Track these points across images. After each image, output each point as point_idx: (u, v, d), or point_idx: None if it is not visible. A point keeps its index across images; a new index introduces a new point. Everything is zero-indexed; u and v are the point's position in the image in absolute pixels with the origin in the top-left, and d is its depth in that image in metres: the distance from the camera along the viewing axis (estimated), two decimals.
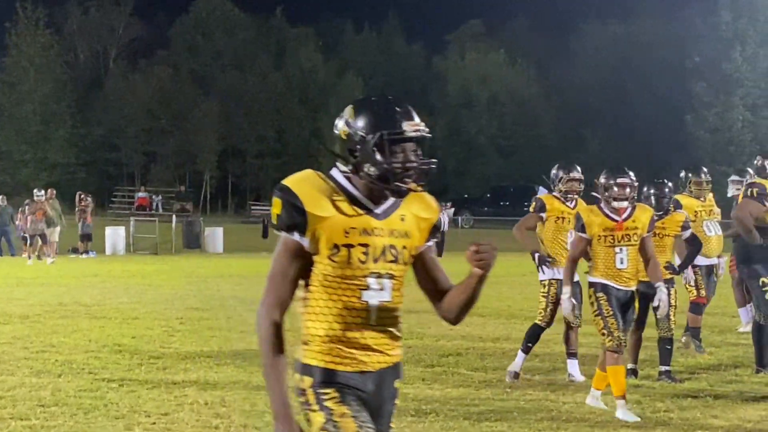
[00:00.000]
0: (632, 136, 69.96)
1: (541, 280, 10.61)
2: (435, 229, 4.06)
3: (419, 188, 3.95)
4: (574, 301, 9.48)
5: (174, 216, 44.67)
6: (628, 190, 8.99)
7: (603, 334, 8.84)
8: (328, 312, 3.87)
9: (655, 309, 9.30)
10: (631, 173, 9.08)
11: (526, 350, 10.49)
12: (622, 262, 8.95)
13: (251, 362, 11.22)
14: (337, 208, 3.85)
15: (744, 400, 9.49)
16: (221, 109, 71.82)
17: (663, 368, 10.47)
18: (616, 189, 8.97)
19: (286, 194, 3.84)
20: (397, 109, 3.95)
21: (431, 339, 13.48)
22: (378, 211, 3.92)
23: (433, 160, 3.96)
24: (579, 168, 10.88)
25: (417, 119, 3.94)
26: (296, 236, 3.83)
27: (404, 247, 3.95)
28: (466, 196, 64.94)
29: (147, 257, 35.80)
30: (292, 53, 79.05)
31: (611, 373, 8.75)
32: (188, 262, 32.88)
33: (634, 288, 9.09)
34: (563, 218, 10.59)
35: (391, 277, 3.91)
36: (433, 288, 4.10)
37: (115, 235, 38.41)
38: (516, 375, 10.39)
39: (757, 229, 10.72)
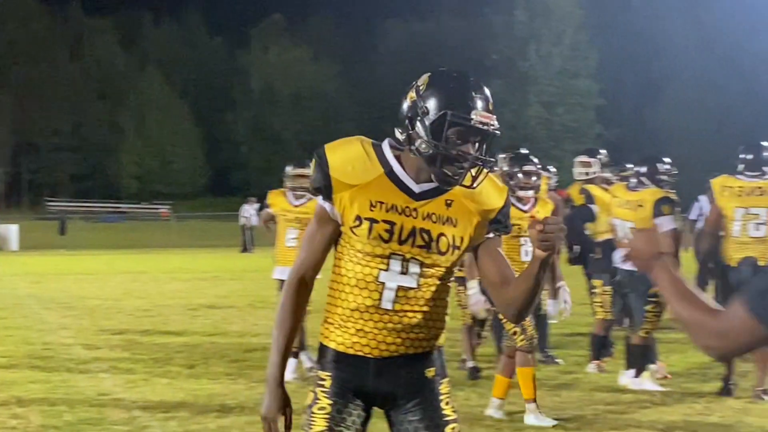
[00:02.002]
0: None
1: None
2: (496, 221, 3.68)
3: (468, 184, 3.57)
4: (482, 295, 8.62)
5: None
6: (534, 178, 8.59)
7: (515, 334, 8.25)
8: (346, 286, 3.62)
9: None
10: (536, 159, 8.74)
11: None
12: (527, 255, 8.40)
13: (48, 361, 10.99)
14: (369, 179, 3.57)
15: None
16: (14, 101, 69.52)
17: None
18: (521, 177, 8.57)
19: (319, 156, 3.59)
20: (473, 93, 3.52)
21: (236, 335, 13.41)
22: (417, 190, 3.58)
23: (491, 159, 3.57)
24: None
25: (491, 111, 3.52)
26: (321, 201, 3.60)
27: (442, 235, 3.58)
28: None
29: None
30: (90, 45, 77.23)
31: (523, 375, 8.24)
32: None
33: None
34: None
35: (422, 264, 3.57)
36: (497, 282, 3.67)
37: None
38: None
39: (586, 242, 11.14)
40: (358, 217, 3.53)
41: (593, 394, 9.54)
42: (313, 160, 3.61)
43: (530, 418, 8.14)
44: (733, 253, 9.42)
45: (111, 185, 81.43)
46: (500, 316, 8.57)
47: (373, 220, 3.52)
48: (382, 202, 3.55)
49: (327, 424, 3.62)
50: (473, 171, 3.55)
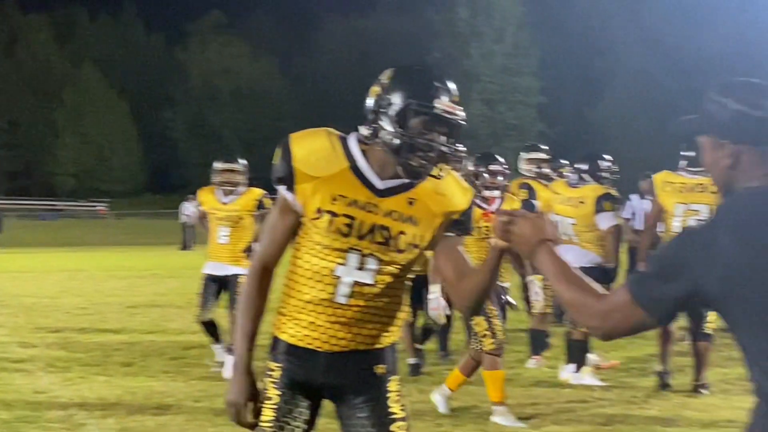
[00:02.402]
0: None
1: None
2: (460, 222, 3.69)
3: (437, 173, 3.62)
4: (443, 301, 8.47)
5: None
6: (500, 177, 8.48)
7: (484, 336, 8.13)
8: (301, 278, 3.61)
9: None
10: (502, 159, 8.62)
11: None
12: None
13: None
14: (332, 172, 3.56)
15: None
16: None
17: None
18: (487, 176, 8.44)
19: (283, 146, 3.60)
20: (436, 84, 3.56)
21: (174, 333, 13.31)
22: (381, 186, 3.59)
23: (459, 149, 3.63)
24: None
25: (455, 102, 3.57)
26: (283, 190, 3.59)
27: (402, 233, 3.58)
28: None
29: None
30: (25, 42, 76.30)
31: (492, 378, 8.15)
32: None
33: (507, 284, 8.66)
34: None
35: (380, 260, 3.57)
36: (453, 278, 3.65)
37: None
38: None
39: None
40: (319, 210, 3.53)
41: (533, 389, 9.58)
42: (277, 150, 3.60)
43: (500, 419, 8.06)
44: None
45: (48, 183, 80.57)
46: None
47: (333, 214, 3.52)
48: (343, 196, 3.54)
49: (274, 414, 3.63)
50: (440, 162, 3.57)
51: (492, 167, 8.43)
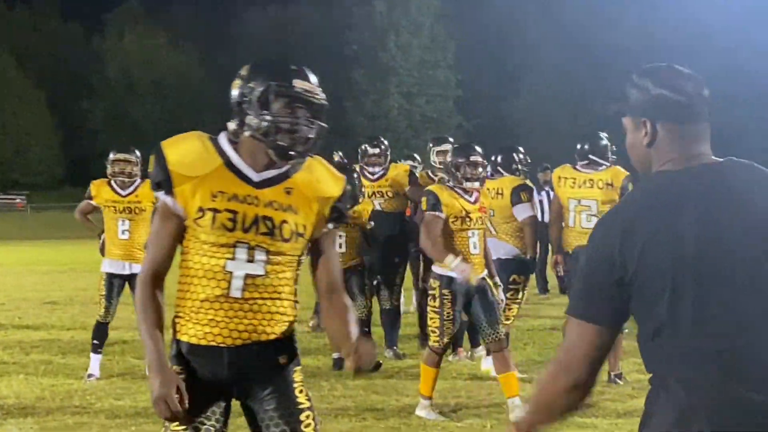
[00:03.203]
0: None
1: None
2: (336, 211, 3.82)
3: (306, 154, 3.76)
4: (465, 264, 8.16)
5: None
6: (480, 169, 8.30)
7: (433, 333, 8.16)
8: (194, 278, 3.68)
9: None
10: (479, 149, 8.43)
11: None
12: (476, 247, 8.18)
13: None
14: (208, 170, 3.66)
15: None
16: None
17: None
18: (468, 168, 8.26)
19: (156, 152, 3.67)
20: (293, 67, 3.79)
21: None
22: (257, 179, 3.71)
23: (323, 125, 3.77)
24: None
25: (313, 84, 3.76)
26: (162, 195, 3.66)
27: (284, 222, 3.69)
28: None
29: None
30: None
31: (427, 373, 8.21)
32: None
33: (484, 274, 8.31)
34: None
35: (268, 251, 3.67)
36: (325, 290, 3.88)
37: None
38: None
39: None
40: (201, 209, 3.62)
41: (456, 382, 9.68)
42: (151, 158, 3.68)
43: (423, 413, 8.14)
44: (572, 240, 9.66)
45: None
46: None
47: (215, 210, 3.62)
48: (222, 192, 3.64)
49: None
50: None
51: (473, 158, 8.27)
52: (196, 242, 3.66)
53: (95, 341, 9.86)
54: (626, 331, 3.33)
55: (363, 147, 11.59)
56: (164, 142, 3.71)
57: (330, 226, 3.83)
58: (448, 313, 8.08)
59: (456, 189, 8.22)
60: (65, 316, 14.83)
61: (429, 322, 8.24)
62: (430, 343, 8.20)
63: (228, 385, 3.73)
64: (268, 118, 3.65)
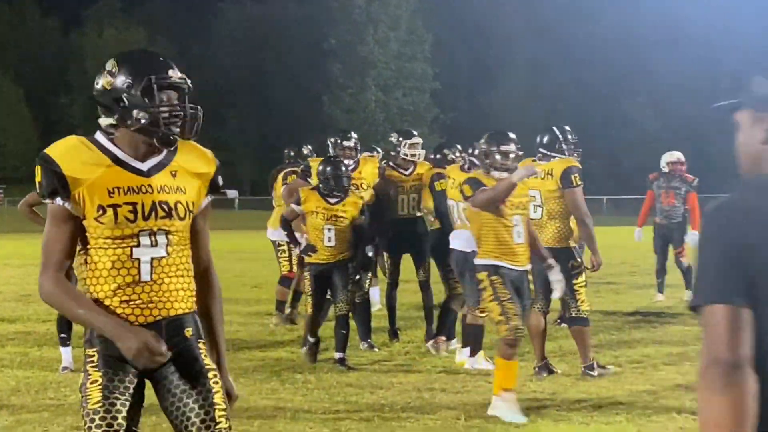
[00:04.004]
0: (271, 115, 71.06)
1: None
2: (213, 184, 4.10)
3: (189, 136, 3.97)
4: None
5: None
6: (511, 158, 8.02)
7: (499, 323, 7.85)
8: (101, 272, 3.87)
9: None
10: (514, 137, 8.13)
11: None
12: (519, 236, 7.95)
13: None
14: (99, 170, 3.84)
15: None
16: None
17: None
18: (498, 157, 8.02)
19: (44, 161, 3.82)
20: (161, 58, 4.02)
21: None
22: (144, 168, 3.91)
23: (195, 108, 3.98)
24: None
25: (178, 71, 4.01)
26: (59, 201, 3.82)
27: (178, 202, 3.94)
28: None
29: None
30: None
31: (504, 366, 7.85)
32: None
33: (528, 267, 8.20)
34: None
35: (167, 233, 3.92)
36: (198, 271, 4.12)
37: None
38: None
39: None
40: (101, 207, 3.81)
41: (430, 374, 9.72)
42: (37, 167, 3.84)
43: (499, 412, 7.77)
44: None
45: None
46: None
47: (115, 206, 3.82)
48: (118, 187, 3.84)
49: (101, 394, 3.82)
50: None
51: (503, 147, 8.01)
52: (99, 239, 3.85)
53: (62, 335, 9.86)
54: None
55: (334, 140, 11.61)
56: (49, 150, 3.86)
57: (209, 197, 4.10)
58: (503, 293, 7.78)
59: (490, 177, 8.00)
60: (40, 309, 14.74)
61: (491, 315, 7.95)
62: (501, 334, 7.83)
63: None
64: (153, 110, 3.85)
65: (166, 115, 3.87)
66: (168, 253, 3.93)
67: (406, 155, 11.44)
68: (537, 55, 73.26)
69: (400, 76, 70.19)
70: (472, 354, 10.00)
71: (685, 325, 12.90)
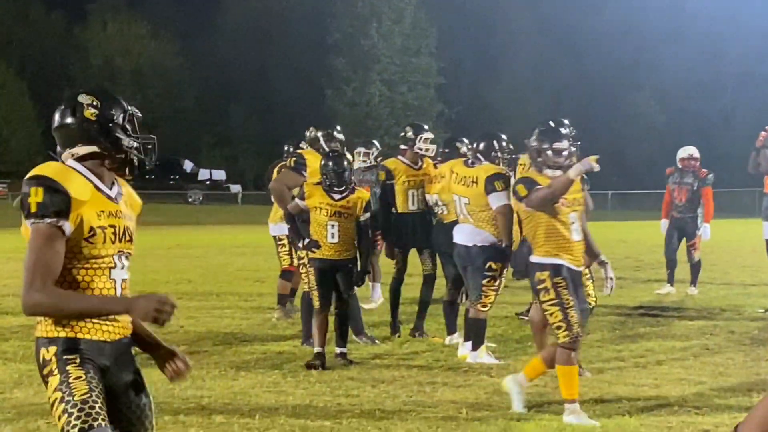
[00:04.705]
0: (274, 110, 70.97)
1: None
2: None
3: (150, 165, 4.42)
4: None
5: None
6: (565, 153, 7.77)
7: (558, 328, 7.56)
8: (81, 291, 4.12)
9: None
10: (567, 131, 7.92)
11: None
12: (577, 234, 7.69)
13: None
14: (89, 194, 4.11)
15: None
16: None
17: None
18: (551, 155, 7.74)
19: (45, 181, 4.02)
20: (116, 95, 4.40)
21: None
22: (112, 194, 4.24)
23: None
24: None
25: None
26: (62, 222, 4.02)
27: (133, 229, 4.31)
28: None
29: None
30: None
31: (564, 373, 7.62)
32: None
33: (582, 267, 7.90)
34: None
35: (128, 255, 4.25)
36: None
37: None
38: None
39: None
40: (92, 228, 4.08)
41: (432, 368, 9.71)
42: (36, 188, 4.02)
43: (572, 419, 7.52)
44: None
45: None
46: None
47: (103, 228, 4.11)
48: (103, 211, 4.14)
49: (88, 386, 4.03)
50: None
51: (556, 145, 7.72)
52: (83, 258, 4.09)
53: None
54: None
55: (326, 132, 11.57)
56: (44, 172, 4.05)
57: None
58: (567, 300, 7.49)
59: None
60: None
61: (550, 319, 7.64)
62: (560, 341, 7.59)
63: (104, 372, 4.15)
64: (135, 140, 4.28)
65: (146, 143, 4.33)
66: (128, 276, 4.27)
67: (420, 149, 11.47)
68: (541, 49, 73.18)
69: (405, 71, 70.04)
70: (474, 348, 9.99)
71: (689, 319, 12.91)
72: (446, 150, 11.60)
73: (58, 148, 4.29)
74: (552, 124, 8.07)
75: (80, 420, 3.93)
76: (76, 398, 3.97)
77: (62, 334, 4.11)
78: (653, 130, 69.86)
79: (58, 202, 3.99)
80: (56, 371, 4.06)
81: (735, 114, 70.69)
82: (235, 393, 8.51)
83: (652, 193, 45.42)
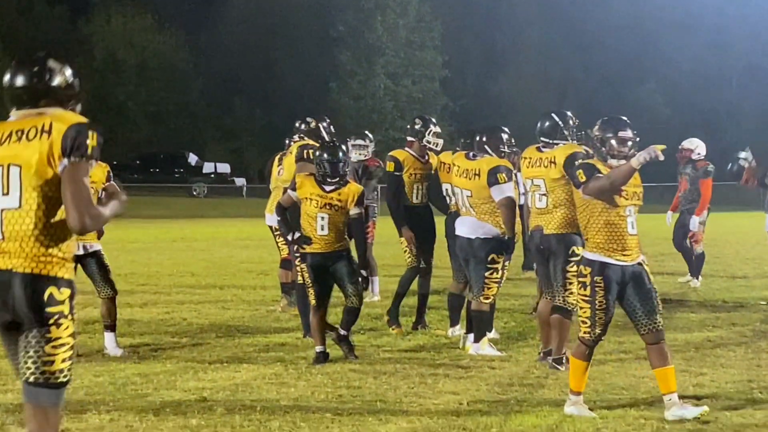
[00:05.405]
0: (279, 103, 70.93)
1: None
2: None
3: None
4: None
5: None
6: (629, 144, 7.62)
7: (583, 323, 7.52)
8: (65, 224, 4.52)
9: None
10: (629, 122, 7.72)
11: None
12: (633, 227, 7.57)
13: None
14: None
15: None
16: None
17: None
18: (615, 143, 7.62)
19: (99, 129, 4.72)
20: None
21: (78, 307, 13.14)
22: None
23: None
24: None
25: None
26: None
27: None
28: (115, 162, 63.65)
29: None
30: None
31: (575, 366, 7.59)
32: None
33: (640, 260, 7.69)
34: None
35: None
36: None
37: None
38: None
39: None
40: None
41: (434, 359, 9.73)
42: (97, 133, 4.77)
43: (572, 410, 7.51)
44: (531, 222, 9.61)
45: None
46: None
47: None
48: None
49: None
50: None
51: (621, 133, 7.60)
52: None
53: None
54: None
55: (314, 125, 11.57)
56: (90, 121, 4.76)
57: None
58: (600, 301, 7.38)
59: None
60: None
61: (579, 312, 7.59)
62: (580, 334, 7.57)
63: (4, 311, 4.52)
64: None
65: None
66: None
67: (430, 142, 11.48)
68: (546, 41, 73.14)
69: (410, 64, 69.95)
70: (476, 340, 10.00)
71: (691, 311, 12.91)
72: (467, 141, 11.24)
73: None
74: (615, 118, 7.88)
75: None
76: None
77: (68, 276, 4.56)
78: (659, 122, 69.77)
79: (102, 146, 4.72)
80: (69, 316, 4.51)
81: (741, 107, 70.64)
82: (237, 384, 8.53)
83: (657, 185, 45.34)
